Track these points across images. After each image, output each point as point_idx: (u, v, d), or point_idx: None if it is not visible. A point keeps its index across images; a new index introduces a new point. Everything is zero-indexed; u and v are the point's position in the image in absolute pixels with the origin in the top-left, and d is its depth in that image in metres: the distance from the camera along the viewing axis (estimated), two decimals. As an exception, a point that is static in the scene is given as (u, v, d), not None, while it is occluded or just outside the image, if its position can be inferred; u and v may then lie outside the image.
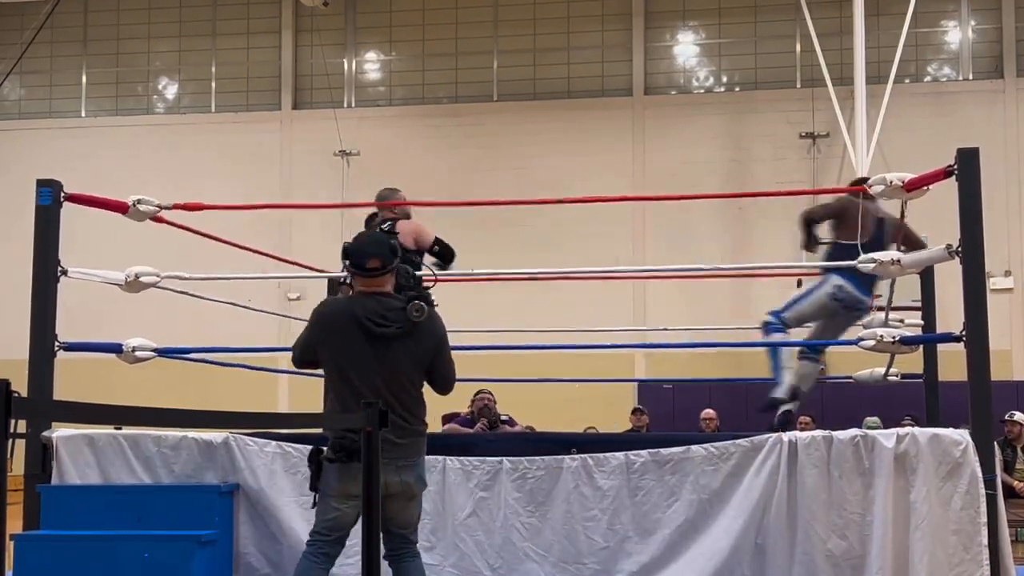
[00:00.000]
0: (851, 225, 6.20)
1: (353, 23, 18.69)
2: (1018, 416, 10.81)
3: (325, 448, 4.57)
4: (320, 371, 4.78)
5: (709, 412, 13.07)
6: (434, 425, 8.40)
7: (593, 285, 15.01)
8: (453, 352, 4.81)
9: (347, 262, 4.64)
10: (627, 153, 17.51)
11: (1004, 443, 10.41)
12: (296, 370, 5.06)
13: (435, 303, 5.08)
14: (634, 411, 13.32)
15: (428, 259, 6.60)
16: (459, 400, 9.10)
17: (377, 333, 4.51)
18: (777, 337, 6.41)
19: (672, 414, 14.97)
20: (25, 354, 5.48)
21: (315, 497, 4.62)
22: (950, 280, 6.05)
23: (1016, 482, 10.40)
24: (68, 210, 5.65)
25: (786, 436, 5.13)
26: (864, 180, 6.15)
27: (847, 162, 16.12)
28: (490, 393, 8.40)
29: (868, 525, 4.90)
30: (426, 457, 4.81)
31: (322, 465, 4.55)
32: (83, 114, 19.14)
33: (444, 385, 4.77)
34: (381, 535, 4.50)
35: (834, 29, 16.80)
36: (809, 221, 6.68)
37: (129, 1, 19.09)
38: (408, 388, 4.60)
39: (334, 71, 18.38)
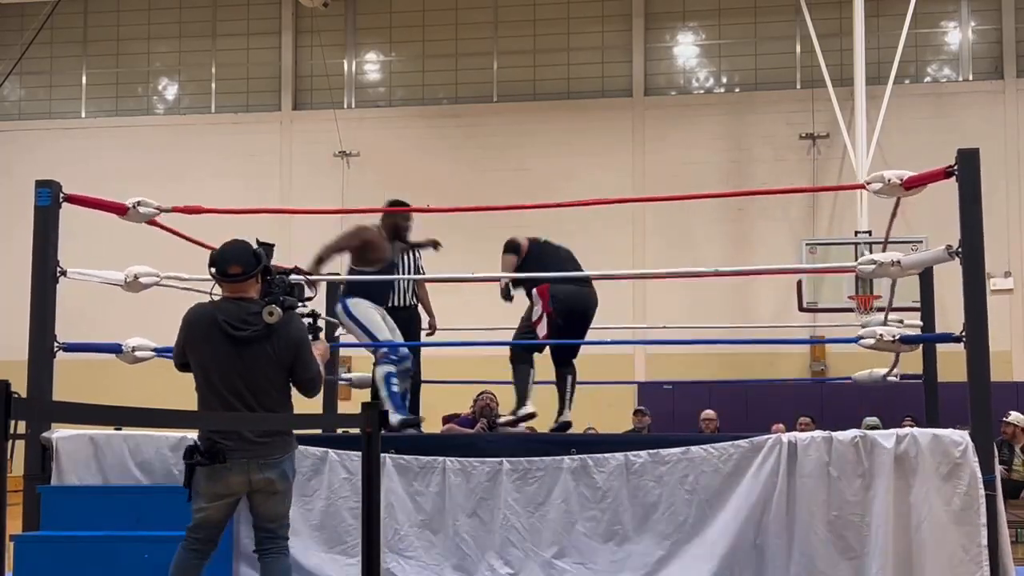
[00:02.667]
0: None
1: (353, 23, 18.69)
2: (1012, 418, 10.80)
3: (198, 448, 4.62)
4: None
5: (709, 413, 13.07)
6: (434, 425, 8.45)
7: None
8: (453, 351, 4.80)
9: (212, 269, 4.74)
10: (627, 154, 17.49)
11: (1001, 443, 10.41)
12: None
13: (308, 309, 5.07)
14: (636, 412, 13.35)
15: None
16: (460, 401, 9.12)
17: (236, 336, 4.61)
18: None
19: (672, 415, 14.97)
20: (25, 355, 5.49)
21: (189, 493, 4.68)
22: (950, 281, 6.05)
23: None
24: (67, 210, 5.65)
25: (786, 437, 5.14)
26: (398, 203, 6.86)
27: (847, 163, 16.11)
28: (492, 394, 8.40)
29: (868, 526, 4.90)
30: (431, 457, 4.79)
31: (194, 466, 4.61)
32: (83, 114, 19.13)
33: (309, 387, 4.79)
34: (254, 531, 4.71)
35: (834, 30, 16.78)
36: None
37: (129, 1, 19.08)
38: (268, 389, 4.65)
39: (334, 72, 18.36)
